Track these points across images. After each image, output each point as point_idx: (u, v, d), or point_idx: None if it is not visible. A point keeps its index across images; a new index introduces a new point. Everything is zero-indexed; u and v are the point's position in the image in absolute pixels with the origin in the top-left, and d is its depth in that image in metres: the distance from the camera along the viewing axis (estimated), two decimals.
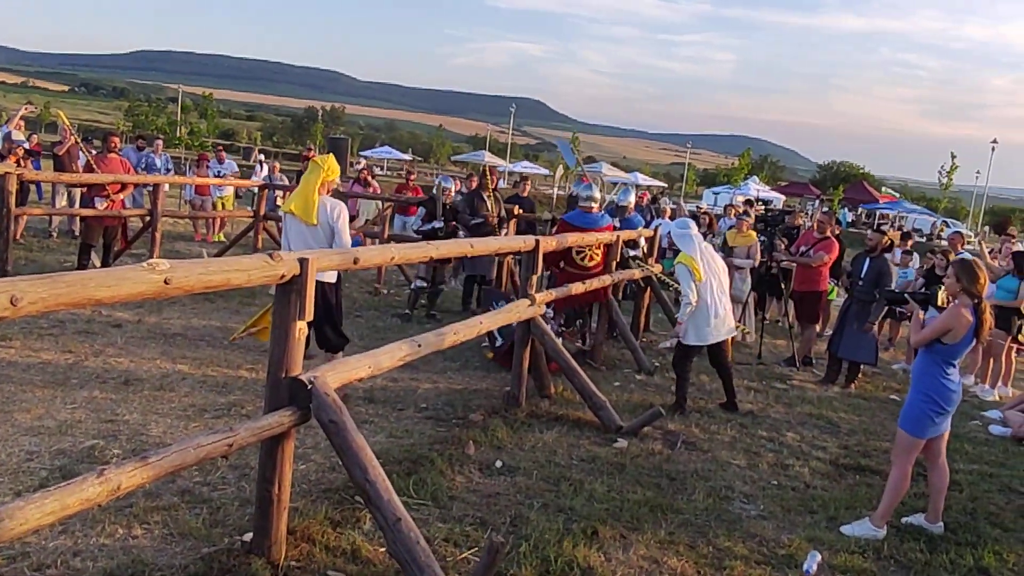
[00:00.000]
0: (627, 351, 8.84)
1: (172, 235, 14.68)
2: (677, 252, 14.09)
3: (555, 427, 6.17)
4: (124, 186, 10.74)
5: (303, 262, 3.52)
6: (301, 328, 3.65)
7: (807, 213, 11.00)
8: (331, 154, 6.57)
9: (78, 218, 11.88)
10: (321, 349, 6.41)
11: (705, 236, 14.04)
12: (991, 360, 9.54)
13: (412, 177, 15.97)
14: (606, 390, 7.03)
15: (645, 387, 7.80)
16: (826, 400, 8.08)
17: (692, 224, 7.34)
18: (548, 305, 8.44)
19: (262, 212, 13.21)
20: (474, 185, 10.84)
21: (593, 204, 8.61)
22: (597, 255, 8.48)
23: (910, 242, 12.56)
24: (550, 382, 7.04)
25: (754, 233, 10.69)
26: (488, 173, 9.98)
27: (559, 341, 6.87)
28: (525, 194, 13.19)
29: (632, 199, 9.07)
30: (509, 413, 6.34)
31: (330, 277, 6.15)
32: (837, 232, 11.01)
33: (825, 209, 13.13)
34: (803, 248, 9.82)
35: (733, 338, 7.60)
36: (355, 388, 6.46)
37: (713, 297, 6.99)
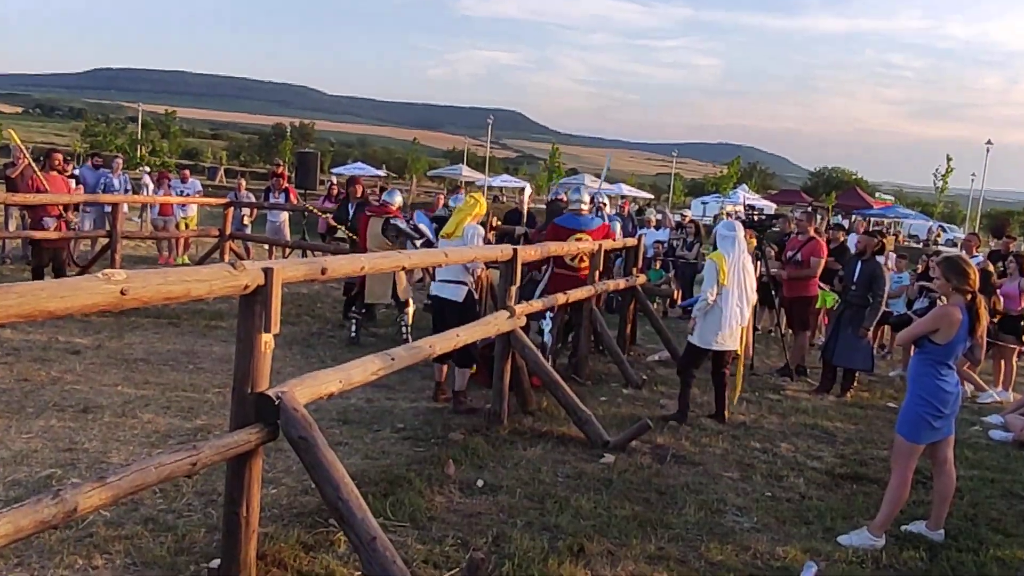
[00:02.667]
0: (613, 365, 8.88)
1: (133, 258, 14.61)
2: (664, 262, 14.26)
3: (539, 444, 6.19)
4: (68, 207, 10.79)
5: (267, 272, 3.54)
6: (267, 341, 3.66)
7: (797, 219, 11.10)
8: (480, 194, 7.72)
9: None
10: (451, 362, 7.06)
11: (691, 246, 14.19)
12: (1002, 364, 9.77)
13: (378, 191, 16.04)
14: (592, 405, 7.07)
15: (633, 401, 7.84)
16: (821, 409, 8.15)
17: (739, 228, 7.47)
18: (541, 320, 8.55)
19: (228, 231, 13.18)
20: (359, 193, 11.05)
21: (583, 206, 8.95)
22: (587, 257, 8.69)
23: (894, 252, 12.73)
24: (533, 397, 7.07)
25: (755, 242, 10.77)
26: (354, 183, 10.10)
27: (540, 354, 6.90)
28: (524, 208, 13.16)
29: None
30: (491, 431, 6.37)
31: (457, 295, 6.93)
32: (842, 238, 11.14)
33: (807, 209, 13.27)
34: (790, 253, 9.94)
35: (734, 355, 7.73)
36: (328, 409, 6.46)
37: (730, 307, 7.14)
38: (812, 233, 9.94)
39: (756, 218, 10.38)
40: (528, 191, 13.70)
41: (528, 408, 6.99)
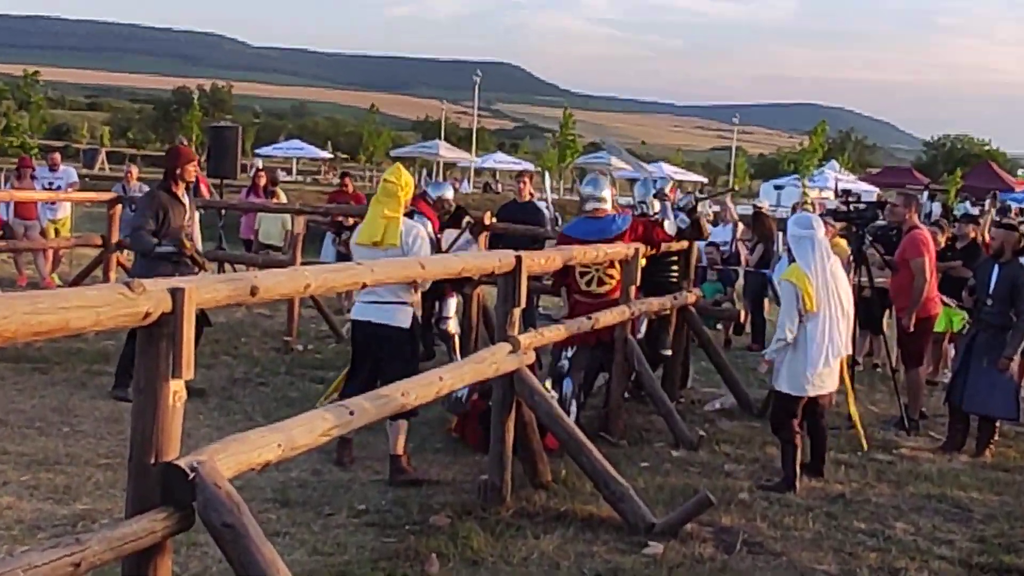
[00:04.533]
0: (658, 417, 8.89)
1: None
2: (722, 273, 14.32)
3: (557, 529, 6.20)
4: None
5: (176, 294, 3.55)
6: (177, 391, 3.68)
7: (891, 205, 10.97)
8: (399, 166, 7.79)
9: None
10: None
11: (754, 247, 14.21)
12: None
13: (348, 180, 16.19)
14: (630, 473, 7.08)
15: (686, 467, 7.85)
16: (950, 474, 8.15)
17: (818, 223, 7.55)
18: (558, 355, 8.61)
19: (115, 238, 13.20)
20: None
21: (601, 206, 8.97)
22: (611, 278, 8.63)
23: None
24: (547, 464, 7.08)
25: (844, 242, 10.79)
26: (181, 158, 9.29)
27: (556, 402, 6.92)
28: (525, 198, 13.10)
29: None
30: (488, 512, 6.36)
31: (396, 319, 7.10)
32: (972, 234, 11.19)
33: (907, 192, 13.29)
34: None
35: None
36: (261, 485, 6.46)
37: (825, 335, 7.20)
38: (913, 222, 9.95)
39: (852, 208, 10.41)
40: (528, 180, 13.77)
41: (540, 480, 6.98)
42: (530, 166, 63.33)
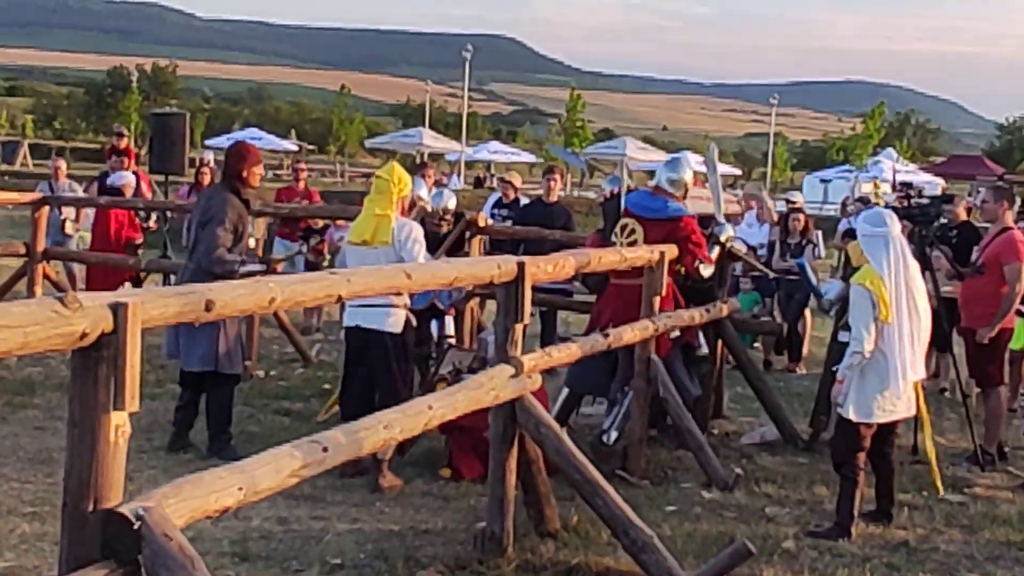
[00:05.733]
0: (686, 452, 8.89)
1: None
2: (759, 281, 14.30)
3: None
4: None
5: (118, 310, 3.55)
6: (119, 426, 3.67)
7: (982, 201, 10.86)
8: (394, 163, 8.19)
9: None
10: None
11: (800, 250, 14.15)
12: None
13: (302, 173, 16.09)
14: (654, 519, 7.08)
15: (719, 511, 7.85)
16: None
17: (894, 220, 7.56)
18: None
19: (40, 246, 13.20)
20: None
21: (667, 187, 9.38)
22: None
23: None
24: (555, 508, 7.07)
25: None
26: (249, 159, 9.01)
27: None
28: (553, 199, 13.15)
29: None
30: (487, 566, 6.36)
31: (388, 324, 7.51)
32: None
33: (1000, 184, 13.27)
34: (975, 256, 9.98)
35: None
36: (217, 536, 6.45)
37: (900, 350, 7.22)
38: (1007, 222, 9.93)
39: (913, 203, 10.41)
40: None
41: (548, 527, 6.98)
42: (531, 157, 63.32)
